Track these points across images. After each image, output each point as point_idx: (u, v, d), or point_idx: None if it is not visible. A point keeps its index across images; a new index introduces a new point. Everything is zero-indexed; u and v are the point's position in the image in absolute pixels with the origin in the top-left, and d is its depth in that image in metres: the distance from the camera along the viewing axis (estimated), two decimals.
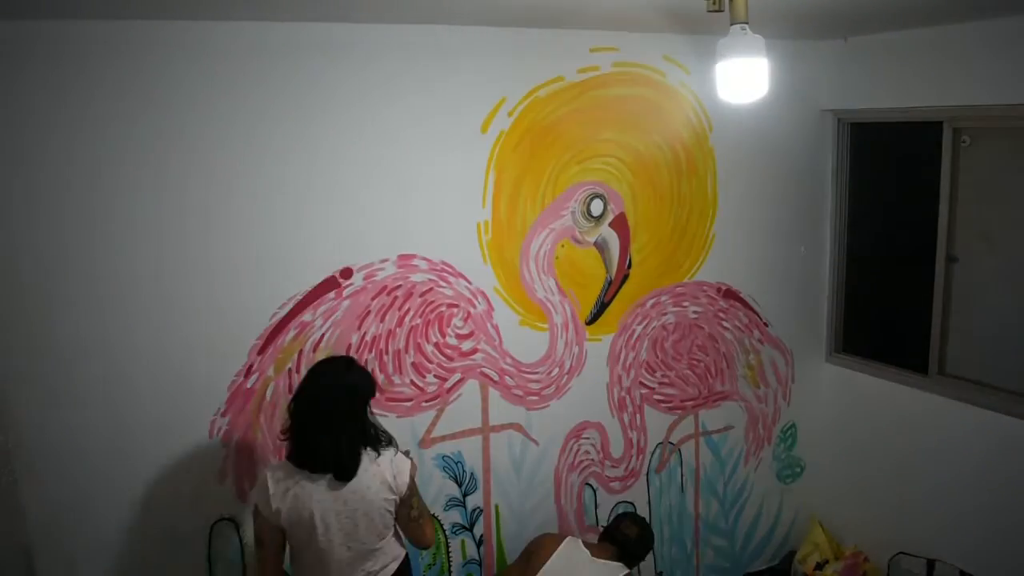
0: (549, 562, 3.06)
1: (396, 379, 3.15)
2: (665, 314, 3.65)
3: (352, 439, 2.42)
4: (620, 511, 3.62)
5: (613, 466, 3.65)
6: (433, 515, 3.30)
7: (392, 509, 2.51)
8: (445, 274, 3.17)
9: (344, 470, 2.40)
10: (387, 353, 3.12)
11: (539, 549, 3.15)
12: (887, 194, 3.82)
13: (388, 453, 2.50)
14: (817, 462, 4.12)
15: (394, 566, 2.57)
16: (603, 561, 3.14)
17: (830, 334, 4.04)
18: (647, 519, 3.64)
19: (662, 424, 3.73)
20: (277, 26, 2.74)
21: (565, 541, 3.17)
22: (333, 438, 2.38)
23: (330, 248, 2.97)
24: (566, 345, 3.45)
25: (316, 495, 2.39)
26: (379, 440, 2.50)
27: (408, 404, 3.18)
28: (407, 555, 2.65)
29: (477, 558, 3.43)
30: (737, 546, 4.02)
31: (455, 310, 3.21)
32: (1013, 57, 2.99)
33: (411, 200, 3.06)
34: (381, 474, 2.45)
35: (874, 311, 3.94)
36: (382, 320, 3.09)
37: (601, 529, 3.46)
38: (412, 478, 2.53)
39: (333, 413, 2.39)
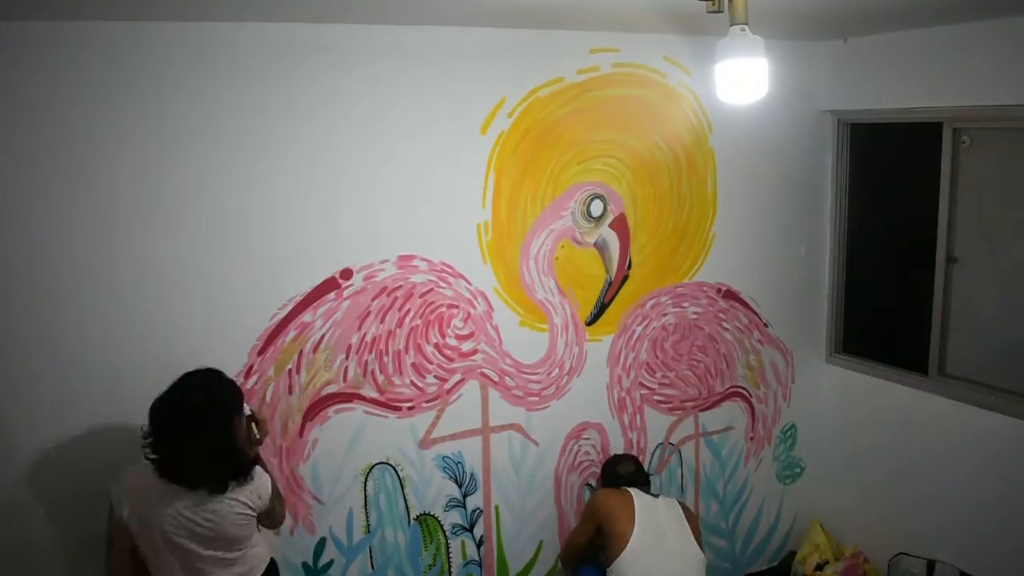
0: (637, 519, 3.05)
1: (396, 380, 3.15)
2: (665, 315, 3.65)
3: (218, 456, 2.35)
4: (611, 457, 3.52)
5: None
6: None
7: (252, 522, 2.47)
8: (445, 275, 3.17)
9: (209, 486, 2.33)
10: (387, 354, 3.12)
11: (621, 507, 3.11)
12: (887, 194, 3.82)
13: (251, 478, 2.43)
14: (817, 462, 4.12)
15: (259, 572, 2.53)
16: (659, 497, 3.25)
17: (830, 334, 4.04)
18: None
19: (662, 425, 3.73)
20: (276, 27, 2.75)
21: (632, 493, 3.16)
22: (200, 450, 2.31)
23: (330, 249, 2.97)
24: (566, 346, 3.45)
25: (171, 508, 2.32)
26: (244, 467, 2.42)
27: (408, 405, 3.18)
28: (272, 560, 2.62)
29: (477, 558, 3.43)
30: (737, 547, 4.01)
31: (455, 311, 3.21)
32: (1013, 57, 3.00)
33: (411, 201, 3.06)
34: (244, 498, 2.40)
35: (874, 311, 3.94)
36: (382, 321, 3.09)
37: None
38: (273, 489, 2.51)
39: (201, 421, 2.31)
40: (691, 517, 3.21)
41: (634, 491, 3.19)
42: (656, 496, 3.24)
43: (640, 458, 3.57)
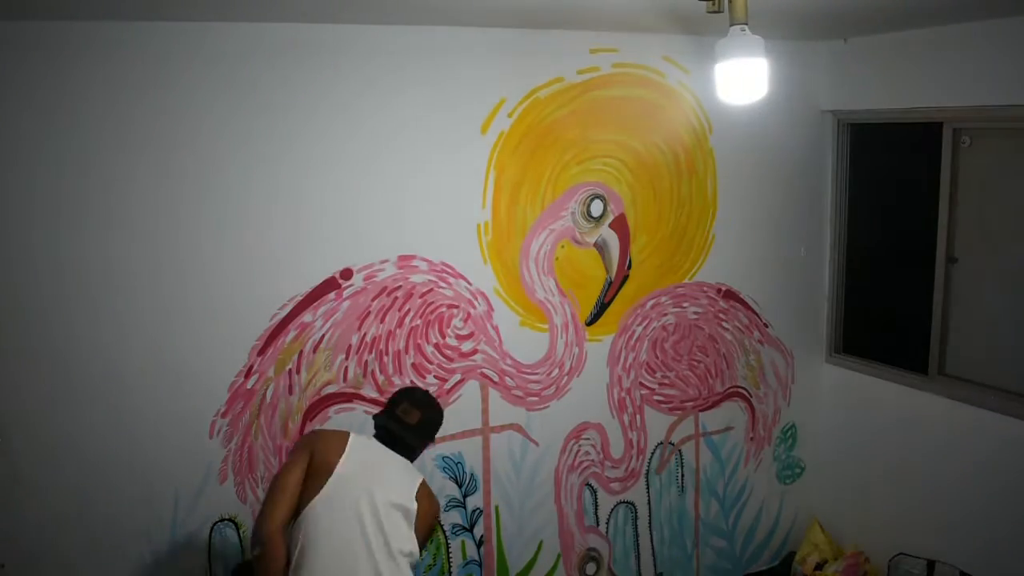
0: (341, 462, 2.36)
1: (396, 380, 3.15)
2: (665, 315, 3.65)
3: None
4: (405, 387, 2.86)
5: (613, 467, 3.65)
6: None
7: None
8: (445, 275, 3.17)
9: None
10: (387, 354, 3.12)
11: (323, 445, 2.41)
12: (887, 195, 3.82)
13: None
14: (817, 463, 4.12)
15: None
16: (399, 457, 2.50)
17: (830, 334, 4.04)
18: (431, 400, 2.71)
19: (662, 425, 3.73)
20: (276, 27, 2.75)
21: (351, 437, 2.44)
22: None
23: (330, 249, 2.97)
24: (566, 346, 3.45)
25: None
26: None
27: None
28: None
29: (477, 559, 3.43)
30: (737, 547, 4.01)
31: (455, 311, 3.21)
32: (1013, 57, 3.00)
33: (411, 201, 3.06)
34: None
35: (874, 311, 3.94)
36: (382, 321, 3.09)
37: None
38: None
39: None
40: (424, 499, 2.45)
41: (360, 438, 2.47)
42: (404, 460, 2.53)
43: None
